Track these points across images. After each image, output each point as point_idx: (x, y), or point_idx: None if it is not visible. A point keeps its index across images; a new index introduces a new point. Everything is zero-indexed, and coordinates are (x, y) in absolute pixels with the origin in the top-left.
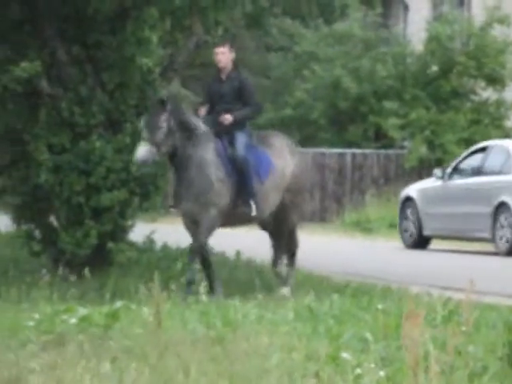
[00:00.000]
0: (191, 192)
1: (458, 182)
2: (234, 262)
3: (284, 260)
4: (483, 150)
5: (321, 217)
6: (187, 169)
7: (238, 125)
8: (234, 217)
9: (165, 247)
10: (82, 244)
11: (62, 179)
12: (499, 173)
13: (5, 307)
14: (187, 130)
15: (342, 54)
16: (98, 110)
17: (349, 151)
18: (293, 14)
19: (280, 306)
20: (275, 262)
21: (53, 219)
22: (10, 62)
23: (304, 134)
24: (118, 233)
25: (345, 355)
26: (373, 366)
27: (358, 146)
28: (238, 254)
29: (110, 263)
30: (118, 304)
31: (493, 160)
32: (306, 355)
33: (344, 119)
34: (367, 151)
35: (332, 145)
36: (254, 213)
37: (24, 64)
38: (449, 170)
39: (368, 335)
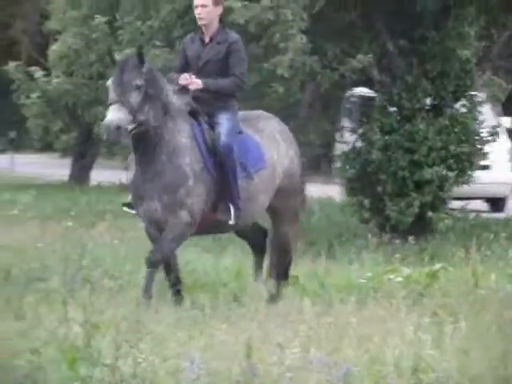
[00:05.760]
0: (156, 188)
1: None
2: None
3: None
4: None
5: None
6: (154, 156)
7: (220, 102)
8: (209, 223)
9: (477, 216)
10: (405, 212)
11: (390, 156)
12: None
13: (340, 267)
14: (161, 105)
15: None
16: (422, 95)
17: None
18: None
19: None
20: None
21: (380, 190)
22: (346, 55)
23: None
24: (438, 203)
25: None
26: None
27: None
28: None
29: (430, 230)
30: (437, 266)
31: None
32: None
33: None
34: None
35: None
36: (232, 221)
37: (359, 56)
38: None
39: None
